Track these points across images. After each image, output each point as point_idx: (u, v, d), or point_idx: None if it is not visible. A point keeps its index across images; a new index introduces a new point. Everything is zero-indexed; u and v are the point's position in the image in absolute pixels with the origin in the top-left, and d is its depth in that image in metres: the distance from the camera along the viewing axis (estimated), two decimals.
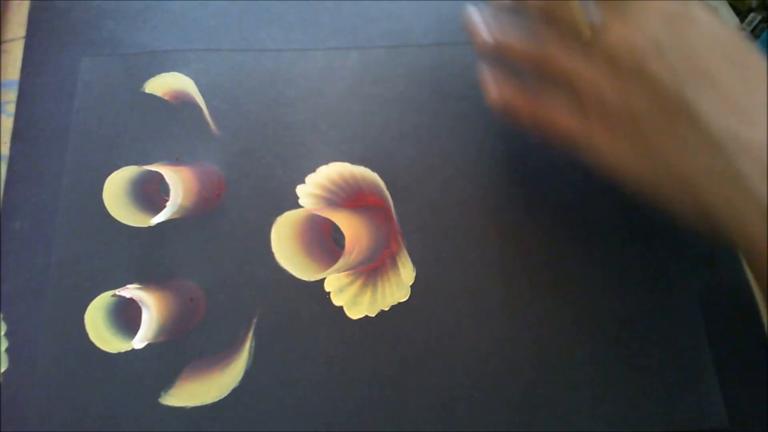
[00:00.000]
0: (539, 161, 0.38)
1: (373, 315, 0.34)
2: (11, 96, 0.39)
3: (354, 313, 0.34)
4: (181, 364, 0.33)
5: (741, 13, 0.44)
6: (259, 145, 0.38)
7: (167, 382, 0.33)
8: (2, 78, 0.40)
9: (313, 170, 0.37)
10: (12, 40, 0.41)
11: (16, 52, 0.41)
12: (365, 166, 0.38)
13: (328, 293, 0.35)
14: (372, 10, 0.42)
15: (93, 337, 0.33)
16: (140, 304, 0.34)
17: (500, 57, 0.33)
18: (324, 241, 0.36)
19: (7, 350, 0.33)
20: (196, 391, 0.32)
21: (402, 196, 0.37)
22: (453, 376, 0.33)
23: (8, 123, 0.38)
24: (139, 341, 0.34)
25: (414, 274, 0.35)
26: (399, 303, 0.34)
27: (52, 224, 0.36)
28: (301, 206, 0.37)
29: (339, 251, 0.36)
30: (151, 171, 0.37)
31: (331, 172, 0.37)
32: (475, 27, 0.33)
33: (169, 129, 0.38)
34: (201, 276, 0.35)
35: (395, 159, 0.38)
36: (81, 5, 0.42)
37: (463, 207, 0.36)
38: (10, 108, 0.39)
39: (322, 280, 0.35)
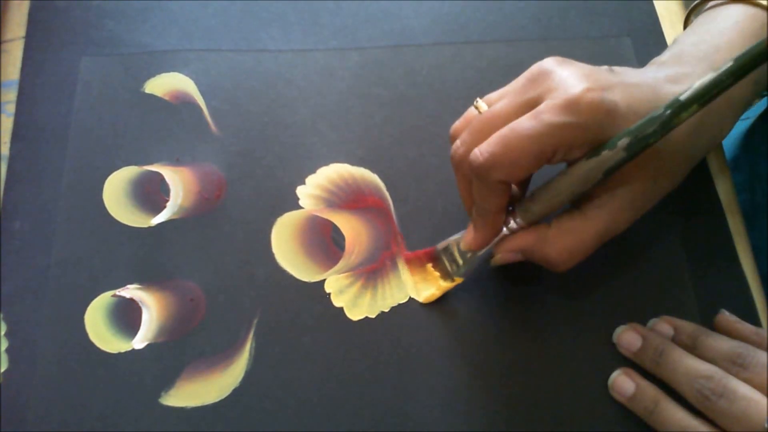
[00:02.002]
0: None
1: (373, 316, 0.34)
2: (11, 96, 0.39)
3: (354, 314, 0.34)
4: (181, 365, 0.33)
5: None
6: (259, 145, 0.38)
7: (167, 382, 0.33)
8: (2, 78, 0.40)
9: (313, 171, 0.37)
10: (12, 40, 0.41)
11: (16, 52, 0.41)
12: (365, 167, 0.38)
13: (329, 294, 0.35)
14: (372, 10, 0.42)
15: (93, 337, 0.34)
16: (140, 304, 0.34)
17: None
18: (324, 242, 0.36)
19: (7, 350, 0.33)
20: (197, 392, 0.32)
21: (402, 197, 0.37)
22: (453, 376, 0.33)
23: (8, 123, 0.38)
24: (139, 341, 0.34)
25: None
26: (399, 304, 0.34)
27: (52, 224, 0.36)
28: (301, 207, 0.37)
29: (339, 252, 0.36)
30: (151, 171, 0.37)
31: (331, 173, 0.37)
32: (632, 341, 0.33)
33: (169, 129, 0.38)
34: (201, 276, 0.35)
35: (395, 160, 0.38)
36: (81, 5, 0.42)
37: (462, 208, 0.36)
38: (10, 108, 0.39)
39: (323, 281, 0.35)
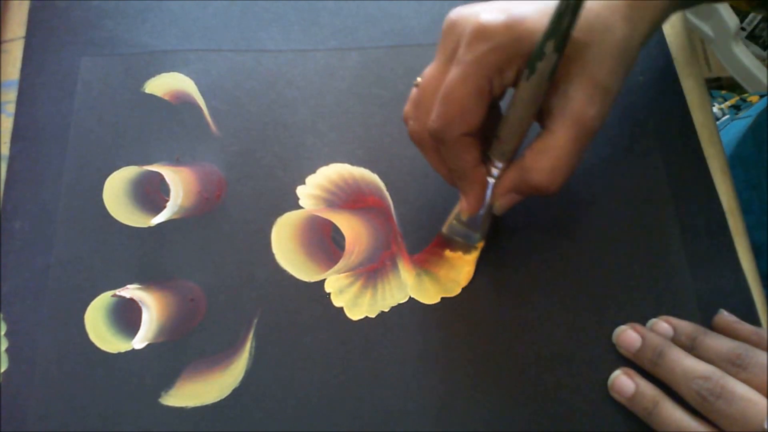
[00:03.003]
0: None
1: (373, 316, 0.34)
2: (11, 96, 0.39)
3: (354, 314, 0.34)
4: (181, 365, 0.33)
5: (741, 13, 0.43)
6: (260, 145, 0.38)
7: (167, 382, 0.33)
8: (2, 78, 0.40)
9: (313, 171, 0.37)
10: (12, 40, 0.41)
11: (16, 52, 0.41)
12: (365, 167, 0.38)
13: (329, 294, 0.35)
14: (372, 10, 0.42)
15: (93, 337, 0.34)
16: (140, 304, 0.34)
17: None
18: (324, 242, 0.36)
19: (7, 350, 0.33)
20: (197, 392, 0.32)
21: (402, 197, 0.37)
22: (453, 376, 0.33)
23: (8, 123, 0.38)
24: (139, 341, 0.34)
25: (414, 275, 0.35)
26: (399, 304, 0.34)
27: (52, 224, 0.36)
28: (301, 207, 0.37)
29: (339, 252, 0.36)
30: (152, 171, 0.37)
31: (331, 173, 0.37)
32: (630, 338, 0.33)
33: (169, 129, 0.38)
34: (201, 276, 0.35)
35: (395, 160, 0.38)
36: (81, 5, 0.42)
37: None
38: (10, 108, 0.39)
39: (323, 281, 0.35)
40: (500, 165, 0.31)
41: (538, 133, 0.31)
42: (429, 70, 0.31)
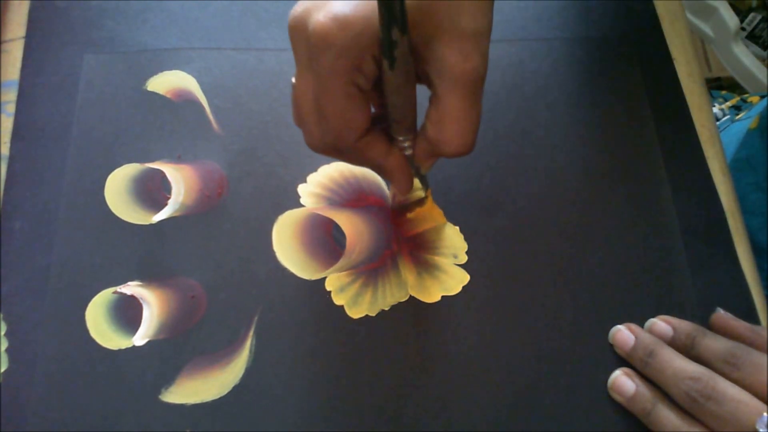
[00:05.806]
0: (540, 162, 0.38)
1: (373, 315, 0.34)
2: (11, 96, 0.39)
3: (354, 313, 0.34)
4: (181, 362, 0.33)
5: (741, 13, 0.44)
6: (261, 143, 0.38)
7: (168, 379, 0.33)
8: (2, 78, 0.40)
9: (315, 169, 0.37)
10: (12, 40, 0.41)
11: (16, 52, 0.41)
12: None
13: (329, 292, 0.35)
14: None
15: (94, 333, 0.33)
16: (141, 301, 0.34)
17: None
18: (325, 240, 0.36)
19: (7, 350, 0.33)
20: (197, 389, 0.32)
21: None
22: (453, 376, 0.33)
23: (8, 123, 0.38)
24: (139, 338, 0.34)
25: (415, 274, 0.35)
26: (399, 303, 0.34)
27: (52, 224, 0.36)
28: (302, 205, 0.37)
29: (340, 250, 0.36)
30: (153, 169, 0.37)
31: (332, 172, 0.38)
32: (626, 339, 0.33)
33: (171, 127, 0.38)
34: (202, 274, 0.35)
35: None
36: (81, 5, 0.42)
37: (460, 202, 0.37)
38: (10, 108, 0.39)
39: (323, 279, 0.35)
40: (409, 136, 0.31)
41: (429, 98, 0.29)
42: (296, 79, 0.30)
